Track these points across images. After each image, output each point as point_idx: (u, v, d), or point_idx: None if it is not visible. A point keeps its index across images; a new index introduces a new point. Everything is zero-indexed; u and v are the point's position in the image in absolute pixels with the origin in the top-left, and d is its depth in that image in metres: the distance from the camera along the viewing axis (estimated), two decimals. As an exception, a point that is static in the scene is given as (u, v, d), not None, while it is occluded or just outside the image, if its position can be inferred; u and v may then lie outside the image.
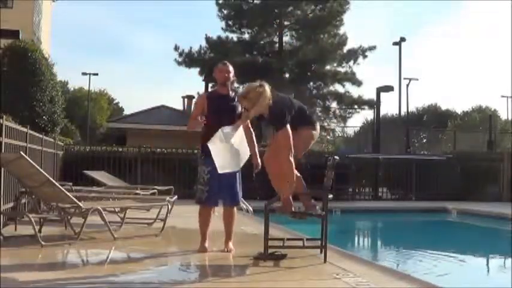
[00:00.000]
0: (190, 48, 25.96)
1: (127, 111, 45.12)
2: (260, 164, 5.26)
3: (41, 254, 4.93)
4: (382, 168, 15.43)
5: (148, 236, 6.29)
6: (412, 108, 36.83)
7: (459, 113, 43.42)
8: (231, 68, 5.25)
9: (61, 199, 5.57)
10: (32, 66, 10.09)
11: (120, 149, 14.28)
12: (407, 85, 23.60)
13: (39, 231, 5.57)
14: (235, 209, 5.24)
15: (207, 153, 5.08)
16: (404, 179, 15.02)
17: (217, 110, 5.08)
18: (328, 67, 26.47)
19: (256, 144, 5.35)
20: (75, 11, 71.65)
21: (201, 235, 5.20)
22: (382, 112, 36.03)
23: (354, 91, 26.56)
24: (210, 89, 17.34)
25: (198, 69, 26.20)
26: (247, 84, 5.00)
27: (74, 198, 5.53)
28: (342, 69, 26.43)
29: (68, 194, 5.51)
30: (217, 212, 5.66)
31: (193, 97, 19.25)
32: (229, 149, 4.77)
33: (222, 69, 5.23)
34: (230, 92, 5.27)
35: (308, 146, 5.10)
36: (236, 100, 5.22)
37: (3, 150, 5.79)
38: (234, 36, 26.59)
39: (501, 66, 69.15)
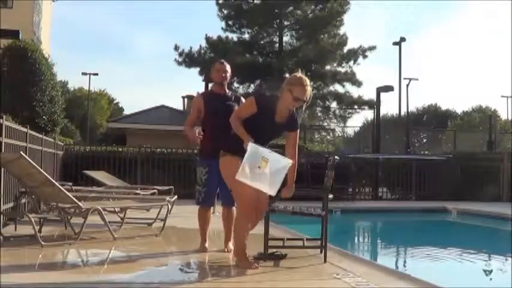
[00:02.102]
0: (190, 48, 26.03)
1: (127, 111, 45.20)
2: None
3: (41, 254, 4.93)
4: (382, 168, 15.42)
5: (148, 236, 6.30)
6: (412, 108, 36.84)
7: (459, 113, 43.46)
8: (228, 68, 5.21)
9: (61, 199, 5.57)
10: (32, 66, 10.08)
11: (120, 149, 14.26)
12: (407, 85, 23.59)
13: (39, 231, 5.58)
14: (234, 209, 5.23)
15: (203, 155, 5.09)
16: (405, 179, 15.01)
17: (214, 110, 5.06)
18: (328, 67, 26.51)
19: None
20: (75, 11, 71.71)
21: (201, 235, 5.20)
22: (382, 112, 36.11)
23: (354, 91, 26.61)
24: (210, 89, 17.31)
25: (198, 69, 26.23)
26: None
27: (74, 198, 5.53)
28: (342, 69, 26.48)
29: (68, 194, 5.51)
30: (218, 212, 5.66)
31: (193, 97, 19.21)
32: (264, 174, 4.14)
33: (220, 68, 5.18)
34: (227, 91, 5.26)
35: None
36: (233, 99, 5.21)
37: (3, 150, 5.79)
38: (234, 36, 26.66)
39: (501, 66, 69.24)
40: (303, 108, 4.52)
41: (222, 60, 5.31)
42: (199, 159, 5.15)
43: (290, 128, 4.52)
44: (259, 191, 4.25)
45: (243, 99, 5.29)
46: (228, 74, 5.22)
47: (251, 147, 4.15)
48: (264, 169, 4.12)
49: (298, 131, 4.62)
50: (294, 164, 4.45)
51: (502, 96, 39.69)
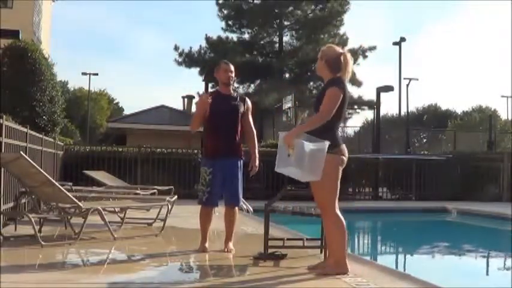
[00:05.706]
0: (190, 48, 26.05)
1: (127, 111, 45.22)
2: (257, 166, 5.21)
3: (41, 254, 4.92)
4: (382, 168, 15.42)
5: (148, 236, 6.29)
6: (412, 108, 36.90)
7: (459, 113, 43.47)
8: (233, 68, 5.24)
9: (61, 199, 5.57)
10: (32, 66, 10.07)
11: (120, 149, 14.25)
12: (407, 85, 23.61)
13: (39, 231, 5.57)
14: (236, 209, 5.23)
15: (207, 155, 5.09)
16: (404, 179, 15.00)
17: (219, 110, 5.06)
18: (328, 67, 26.48)
19: (256, 145, 5.33)
20: (75, 11, 71.73)
21: (202, 235, 5.19)
22: (382, 112, 36.13)
23: (354, 91, 26.60)
24: (210, 89, 17.33)
25: (198, 69, 26.24)
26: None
27: (74, 198, 5.53)
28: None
29: (68, 194, 5.51)
30: (218, 212, 5.65)
31: (193, 97, 19.24)
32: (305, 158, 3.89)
33: (226, 68, 5.19)
34: (232, 92, 5.27)
35: None
36: (238, 100, 5.22)
37: (3, 150, 5.78)
38: (234, 36, 26.68)
39: (501, 66, 69.30)
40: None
41: (227, 61, 5.32)
42: (203, 159, 5.15)
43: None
44: None
45: (248, 100, 5.31)
46: (233, 74, 5.24)
47: (280, 136, 4.01)
48: (291, 156, 3.87)
49: (331, 90, 4.23)
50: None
51: (502, 96, 39.76)
